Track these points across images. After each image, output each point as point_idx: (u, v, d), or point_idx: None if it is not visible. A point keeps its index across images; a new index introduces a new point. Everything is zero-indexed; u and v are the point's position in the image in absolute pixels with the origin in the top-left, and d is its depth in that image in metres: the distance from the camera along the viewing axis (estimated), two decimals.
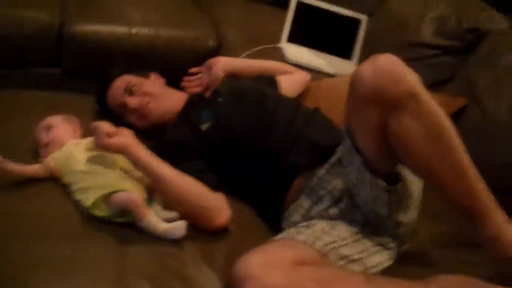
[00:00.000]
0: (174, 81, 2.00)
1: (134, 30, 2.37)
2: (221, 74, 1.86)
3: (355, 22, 2.47)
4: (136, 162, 1.39)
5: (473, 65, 2.07)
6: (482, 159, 1.33)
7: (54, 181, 1.42)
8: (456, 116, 1.86)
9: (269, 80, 1.90)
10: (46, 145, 1.49)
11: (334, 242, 1.32)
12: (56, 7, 2.36)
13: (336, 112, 1.88)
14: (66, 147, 1.47)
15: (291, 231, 1.38)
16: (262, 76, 1.92)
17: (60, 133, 1.51)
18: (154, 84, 1.82)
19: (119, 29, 2.36)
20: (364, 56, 2.47)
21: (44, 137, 1.50)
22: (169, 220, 1.34)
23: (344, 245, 1.33)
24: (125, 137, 1.40)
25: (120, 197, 1.33)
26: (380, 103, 1.25)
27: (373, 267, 1.34)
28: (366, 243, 1.37)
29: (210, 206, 1.40)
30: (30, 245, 1.23)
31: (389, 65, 1.25)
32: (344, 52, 2.48)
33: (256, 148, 1.57)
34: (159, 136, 1.69)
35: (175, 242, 1.32)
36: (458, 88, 2.06)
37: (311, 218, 1.46)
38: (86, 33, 2.30)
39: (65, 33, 2.29)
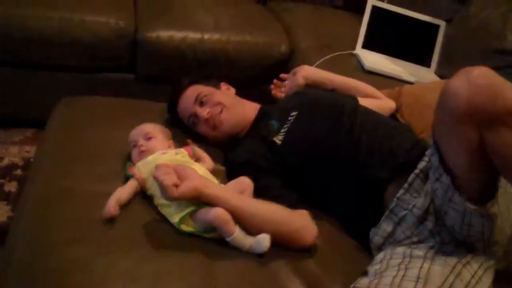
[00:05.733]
0: (246, 86, 1.95)
1: (206, 36, 2.37)
2: (302, 81, 1.82)
3: (433, 28, 2.39)
4: (214, 201, 1.31)
5: None
6: None
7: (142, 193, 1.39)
8: None
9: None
10: (142, 152, 1.47)
11: None
12: (130, 14, 2.38)
13: (418, 120, 1.81)
14: (152, 158, 1.44)
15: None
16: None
17: (159, 145, 1.49)
18: (225, 94, 1.76)
19: (192, 35, 2.36)
20: (442, 64, 2.39)
21: (143, 144, 1.48)
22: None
23: None
24: (193, 179, 1.29)
25: (206, 213, 1.29)
26: (476, 120, 1.15)
27: None
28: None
29: (295, 229, 1.34)
30: (117, 258, 1.20)
31: (485, 79, 1.13)
32: (421, 59, 2.40)
33: (332, 163, 1.51)
34: (232, 148, 1.66)
35: (263, 256, 1.27)
36: None
37: (397, 242, 1.40)
38: (160, 39, 2.31)
39: (139, 39, 2.31)
